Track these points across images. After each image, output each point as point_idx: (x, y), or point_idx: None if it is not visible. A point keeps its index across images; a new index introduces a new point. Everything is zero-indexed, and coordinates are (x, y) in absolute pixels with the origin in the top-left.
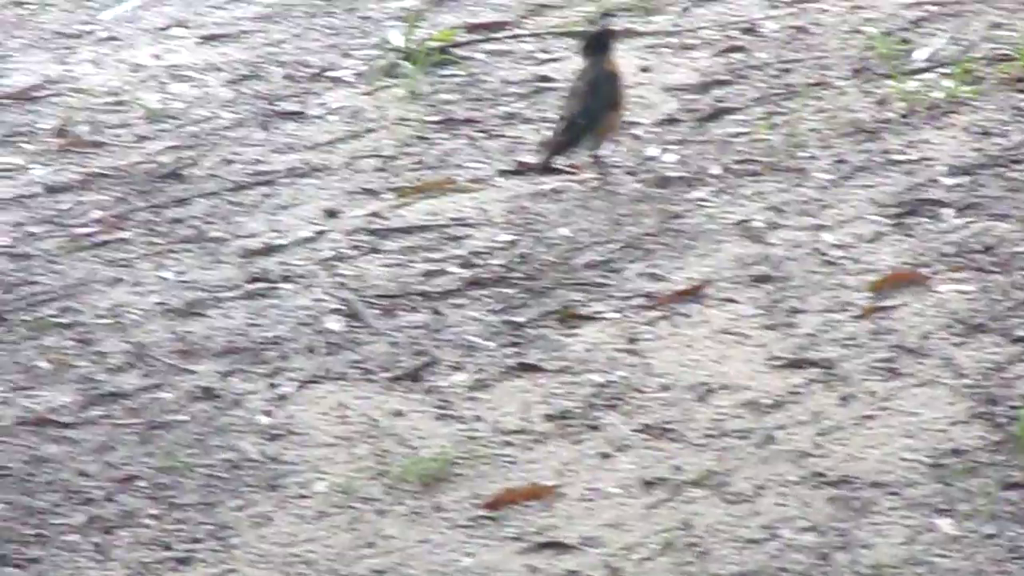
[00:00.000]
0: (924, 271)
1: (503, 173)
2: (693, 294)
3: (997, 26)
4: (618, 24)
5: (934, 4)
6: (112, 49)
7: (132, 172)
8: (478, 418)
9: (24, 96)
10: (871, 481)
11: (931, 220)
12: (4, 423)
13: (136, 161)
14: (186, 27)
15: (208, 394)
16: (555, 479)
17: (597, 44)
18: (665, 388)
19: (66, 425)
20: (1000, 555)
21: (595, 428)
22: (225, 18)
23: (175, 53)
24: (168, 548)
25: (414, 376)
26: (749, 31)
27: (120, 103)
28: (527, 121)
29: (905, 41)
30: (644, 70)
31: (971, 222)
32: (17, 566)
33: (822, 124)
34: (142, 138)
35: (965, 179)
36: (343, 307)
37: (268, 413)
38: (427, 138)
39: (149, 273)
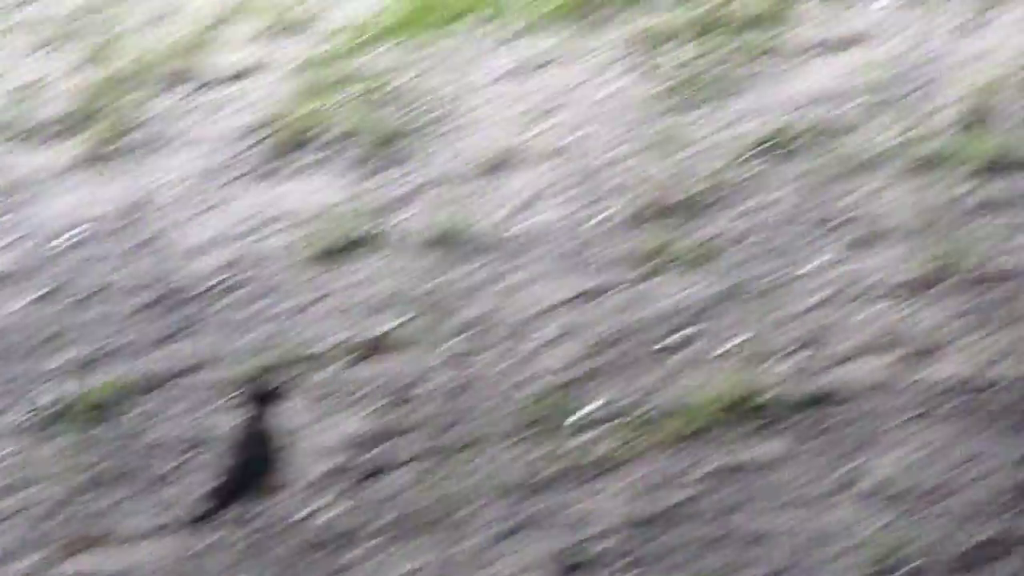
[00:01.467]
0: None
1: (163, 527)
2: None
3: (661, 383)
4: (279, 379)
5: (598, 360)
6: None
7: None
8: None
9: None
10: None
11: None
12: None
13: None
14: None
15: None
16: None
17: (258, 398)
18: None
19: None
20: None
21: None
22: None
23: None
24: None
25: None
26: (411, 386)
27: None
28: (187, 475)
29: (568, 397)
30: (306, 424)
31: None
32: None
33: (484, 480)
34: None
35: (627, 537)
36: None
37: None
38: (87, 491)
39: None
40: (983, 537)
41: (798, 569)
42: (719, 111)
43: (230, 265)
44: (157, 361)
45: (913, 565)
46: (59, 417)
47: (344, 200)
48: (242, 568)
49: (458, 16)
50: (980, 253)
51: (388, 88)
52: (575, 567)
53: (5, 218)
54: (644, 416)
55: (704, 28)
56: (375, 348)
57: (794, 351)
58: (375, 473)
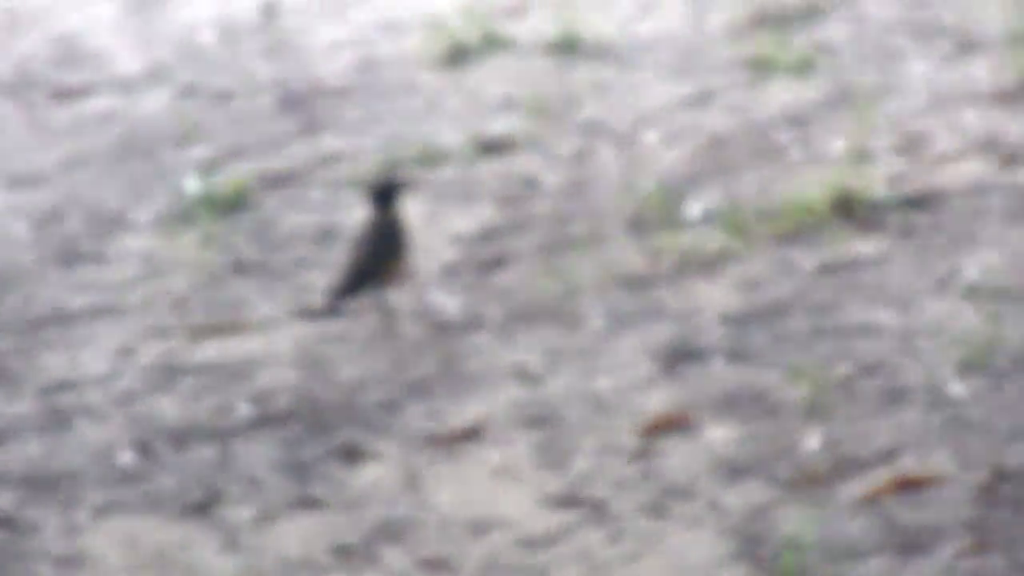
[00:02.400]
0: (692, 416)
1: (291, 315)
2: (471, 434)
3: (767, 183)
4: (404, 175)
5: (707, 161)
6: None
7: None
8: (263, 550)
9: None
10: None
11: (700, 367)
12: None
13: None
14: None
15: (5, 522)
16: None
17: (384, 193)
18: (442, 524)
19: None
20: None
21: (375, 561)
22: (28, 163)
23: None
24: None
25: (202, 509)
26: (530, 184)
27: None
28: (315, 266)
29: (678, 196)
30: (428, 217)
31: (738, 370)
32: None
33: (597, 274)
34: None
35: (733, 329)
36: (135, 442)
37: (62, 542)
38: (219, 281)
39: None
40: None
41: (895, 361)
42: None
43: (357, 67)
44: (288, 156)
45: (1011, 360)
46: (194, 208)
47: (464, 5)
48: (368, 353)
49: None
50: None
51: None
52: (684, 356)
53: (146, 18)
54: (750, 214)
55: None
56: (495, 147)
57: (895, 153)
58: (495, 265)
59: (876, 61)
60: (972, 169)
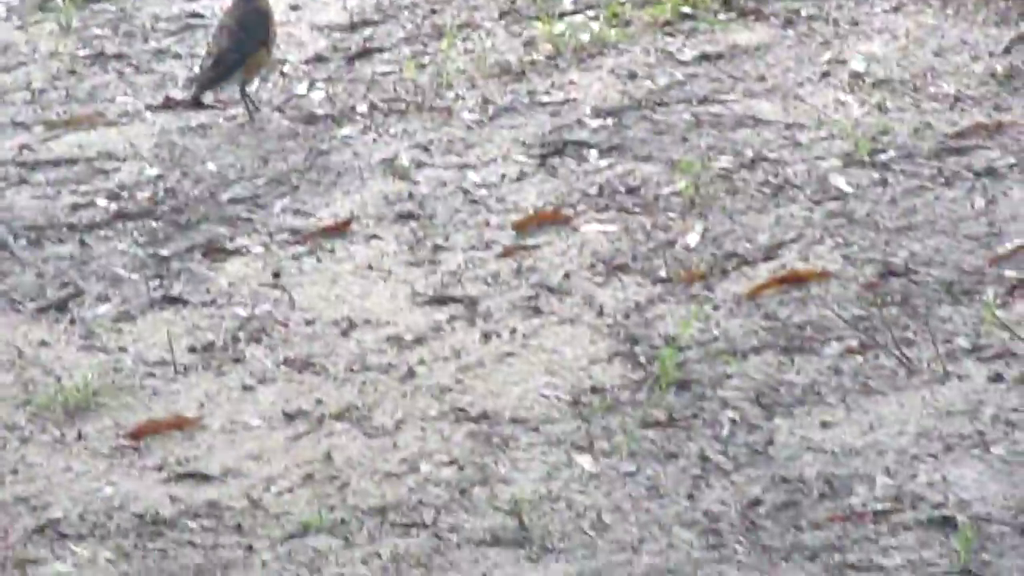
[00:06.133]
0: (568, 211)
1: (152, 108)
2: (338, 230)
3: None
4: None
5: None
6: None
7: None
8: (122, 349)
9: None
10: (511, 417)
11: (576, 161)
12: None
13: None
14: None
15: None
16: (198, 410)
17: None
18: (309, 322)
19: None
20: (638, 493)
21: (238, 361)
22: None
23: None
24: None
25: (59, 307)
26: None
27: None
28: (176, 57)
29: None
30: (293, 8)
31: (616, 163)
32: None
33: (469, 65)
34: None
35: (611, 121)
36: None
37: None
38: (77, 72)
39: None
40: (968, 123)
41: (778, 154)
42: None
43: None
44: None
45: (897, 153)
46: None
47: None
48: (231, 147)
49: None
50: None
51: None
52: (560, 150)
53: None
54: (628, 2)
55: None
56: None
57: None
58: (363, 56)
59: None
60: None
